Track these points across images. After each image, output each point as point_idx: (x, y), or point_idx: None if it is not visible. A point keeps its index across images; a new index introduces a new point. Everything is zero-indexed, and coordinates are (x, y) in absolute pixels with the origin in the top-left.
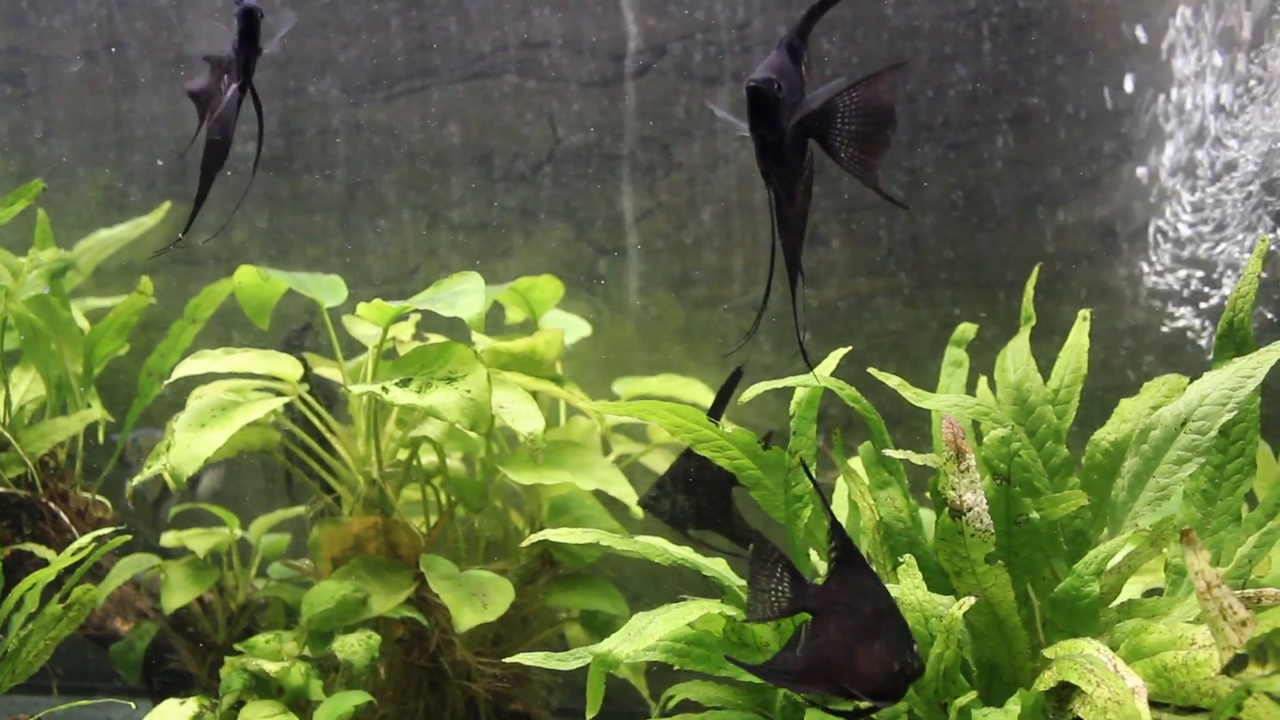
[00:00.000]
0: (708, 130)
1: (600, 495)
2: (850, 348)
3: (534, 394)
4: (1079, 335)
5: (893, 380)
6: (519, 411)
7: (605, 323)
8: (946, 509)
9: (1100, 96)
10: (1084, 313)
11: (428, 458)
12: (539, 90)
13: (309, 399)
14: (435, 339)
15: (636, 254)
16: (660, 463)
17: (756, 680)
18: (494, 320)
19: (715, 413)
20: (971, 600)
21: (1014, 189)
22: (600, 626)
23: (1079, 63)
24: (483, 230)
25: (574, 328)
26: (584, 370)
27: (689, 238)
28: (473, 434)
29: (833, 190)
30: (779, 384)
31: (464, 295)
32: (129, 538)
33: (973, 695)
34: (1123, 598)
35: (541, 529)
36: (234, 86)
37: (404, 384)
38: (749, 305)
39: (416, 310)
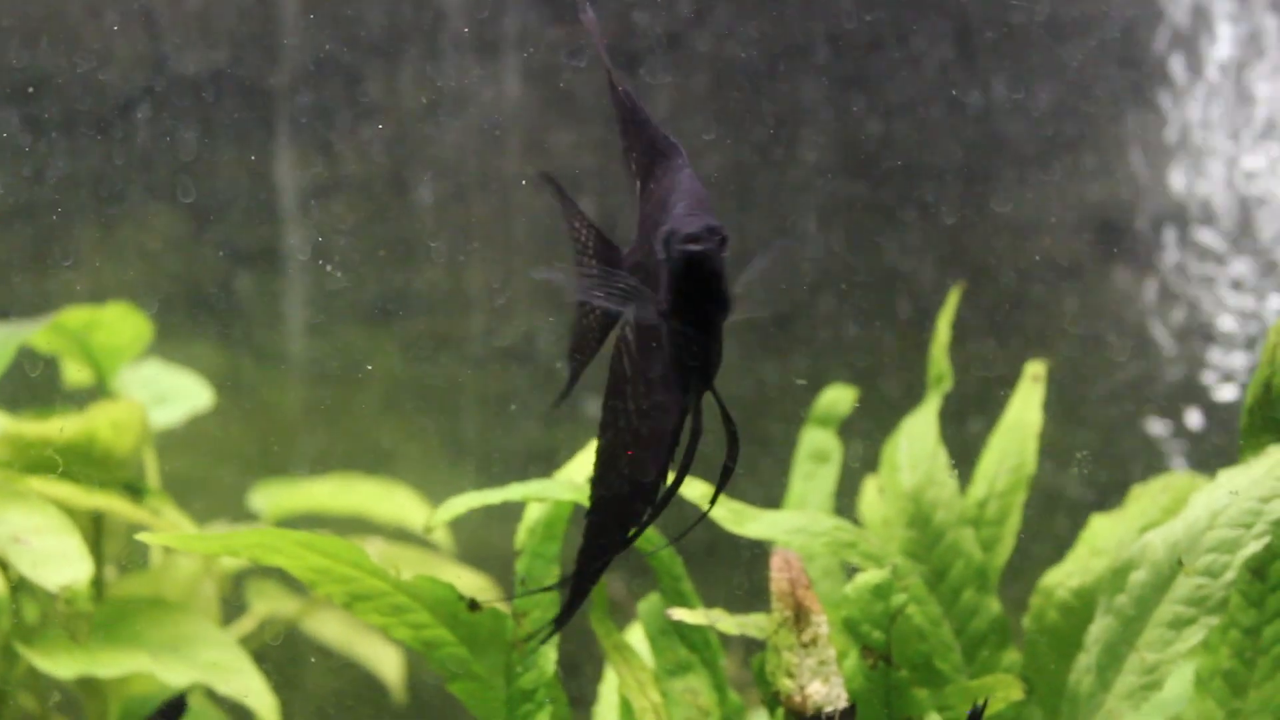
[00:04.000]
0: (427, 47)
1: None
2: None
3: (94, 515)
4: (1025, 408)
5: (695, 489)
6: (47, 549)
7: (247, 382)
8: (781, 709)
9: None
10: (1034, 369)
11: None
12: None
13: None
14: None
15: (303, 261)
16: (336, 631)
17: None
18: (36, 381)
19: None
20: None
21: (948, 158)
22: None
23: None
24: (24, 218)
25: (181, 393)
26: (209, 466)
27: (396, 233)
28: None
29: None
30: (493, 497)
31: None
32: None
33: None
34: None
35: None
36: None
37: None
38: (504, 353)
39: None
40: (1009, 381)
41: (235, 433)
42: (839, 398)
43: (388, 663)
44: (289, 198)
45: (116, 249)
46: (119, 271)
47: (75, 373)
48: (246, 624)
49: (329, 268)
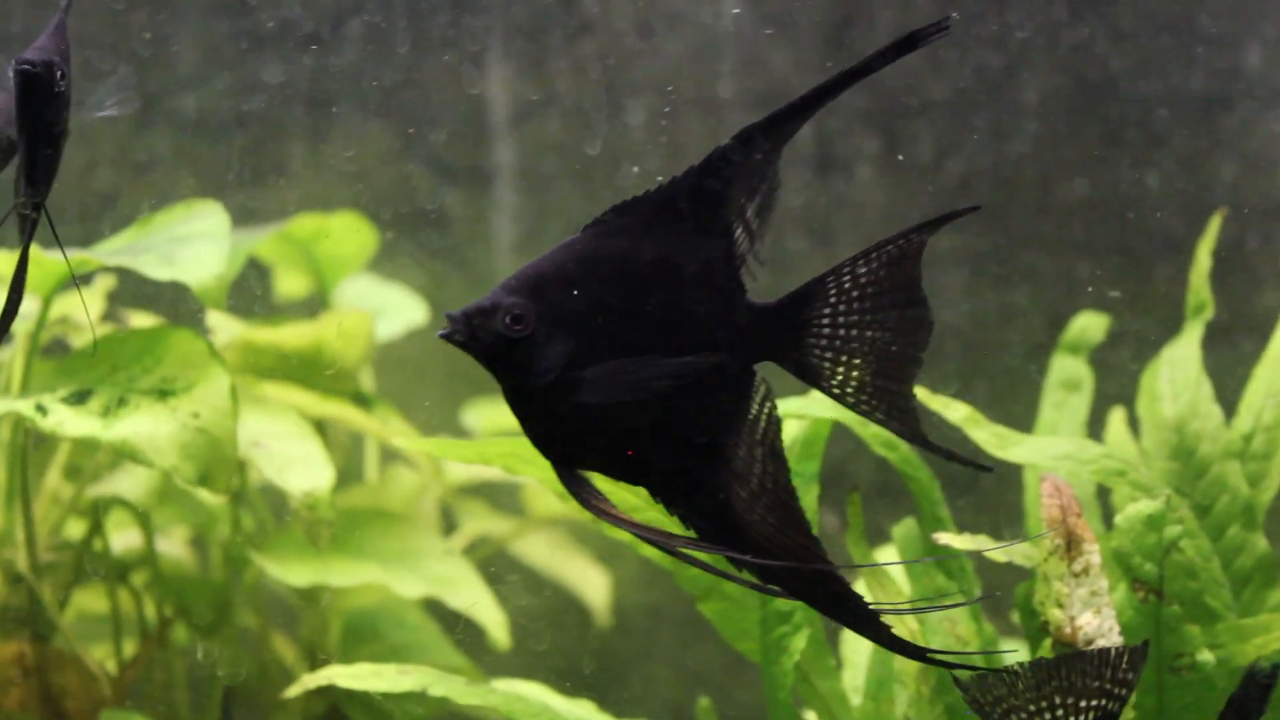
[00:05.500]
0: None
1: (436, 608)
2: None
3: (319, 423)
4: None
5: (958, 411)
6: (289, 453)
7: (456, 301)
8: (1049, 640)
9: None
10: None
11: (124, 535)
12: None
13: None
14: (141, 321)
15: (513, 180)
16: (544, 553)
17: None
18: (252, 291)
19: None
20: None
21: (1182, 87)
22: None
23: None
24: (237, 131)
25: (398, 308)
26: (417, 384)
27: (606, 153)
28: (206, 493)
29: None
30: None
31: (192, 242)
32: None
33: None
34: None
35: (328, 664)
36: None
37: (77, 400)
38: None
39: (104, 268)
40: (1250, 317)
41: (450, 350)
42: (1091, 325)
43: (594, 586)
44: (500, 114)
45: (330, 164)
46: (328, 186)
47: (289, 284)
48: (458, 542)
49: (536, 183)
